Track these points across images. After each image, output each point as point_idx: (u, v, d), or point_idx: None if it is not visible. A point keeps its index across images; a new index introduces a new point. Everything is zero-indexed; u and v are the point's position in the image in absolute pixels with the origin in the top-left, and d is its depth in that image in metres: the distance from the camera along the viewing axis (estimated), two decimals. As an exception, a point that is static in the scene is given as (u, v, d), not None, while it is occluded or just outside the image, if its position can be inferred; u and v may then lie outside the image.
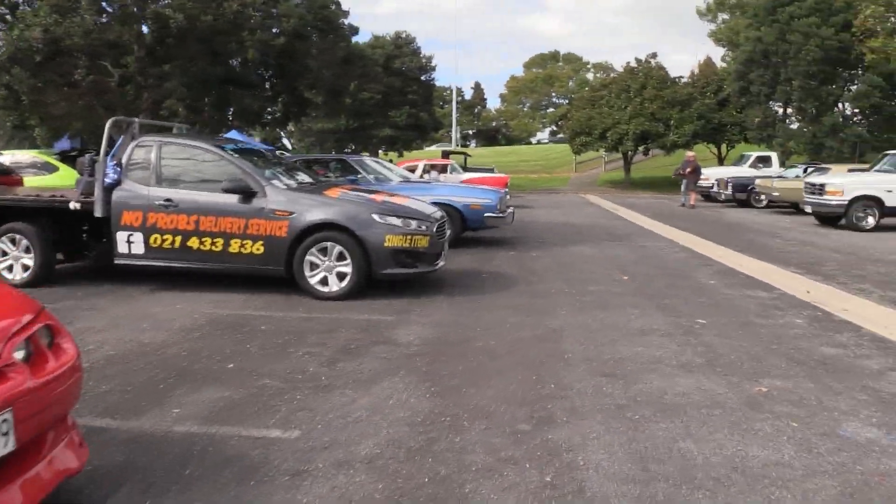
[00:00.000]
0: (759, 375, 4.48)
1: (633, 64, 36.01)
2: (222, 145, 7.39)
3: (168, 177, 7.17)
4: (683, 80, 36.38)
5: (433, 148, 50.68)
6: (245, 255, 6.90)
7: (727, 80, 33.80)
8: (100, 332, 5.53)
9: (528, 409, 3.84)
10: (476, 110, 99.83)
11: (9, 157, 12.35)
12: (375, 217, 6.79)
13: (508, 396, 4.05)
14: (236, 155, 7.25)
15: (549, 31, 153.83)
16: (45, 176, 12.14)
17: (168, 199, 7.01)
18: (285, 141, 43.97)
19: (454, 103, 48.86)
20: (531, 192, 33.32)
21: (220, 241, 6.92)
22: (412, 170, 22.74)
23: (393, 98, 32.24)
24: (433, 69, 34.61)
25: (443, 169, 23.17)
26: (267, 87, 18.94)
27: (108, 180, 7.14)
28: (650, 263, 9.57)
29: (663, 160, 42.47)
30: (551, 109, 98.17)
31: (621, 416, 3.75)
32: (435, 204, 10.33)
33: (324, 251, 6.81)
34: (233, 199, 6.90)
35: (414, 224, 6.95)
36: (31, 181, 11.48)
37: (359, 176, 11.23)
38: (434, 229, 7.14)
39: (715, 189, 24.04)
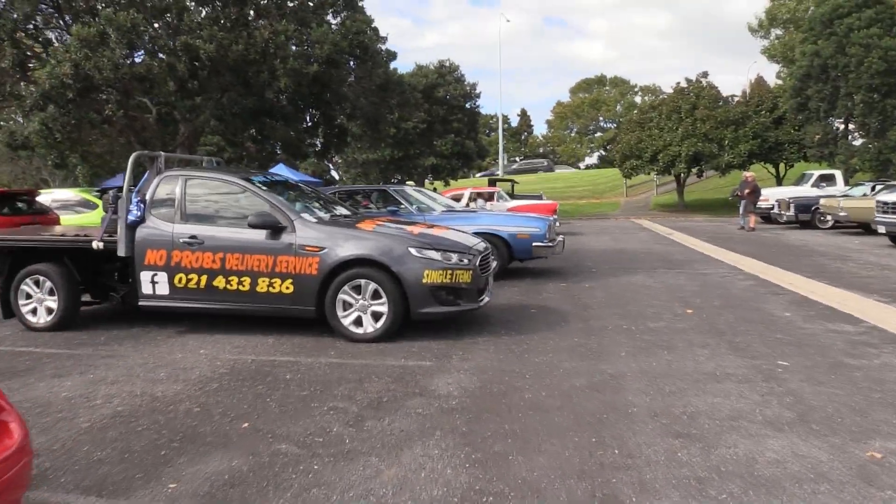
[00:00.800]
0: (866, 435, 3.73)
1: (683, 84, 35.08)
2: (251, 177, 6.95)
3: (193, 212, 6.75)
4: (736, 99, 35.28)
5: (480, 176, 50.27)
6: (274, 295, 6.41)
7: (783, 97, 32.58)
8: (112, 383, 5.06)
9: (589, 485, 3.18)
10: (523, 137, 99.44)
11: (48, 196, 12.26)
12: (412, 251, 6.23)
13: (563, 465, 3.39)
14: (265, 188, 6.80)
15: (593, 57, 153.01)
16: (85, 214, 11.99)
17: (193, 237, 6.58)
18: (333, 173, 44.16)
19: (500, 130, 48.30)
20: (581, 217, 32.52)
21: (247, 280, 6.45)
22: (458, 198, 22.30)
23: (437, 126, 31.93)
24: (478, 96, 34.24)
25: (489, 197, 22.64)
26: (305, 117, 18.58)
27: (131, 217, 6.75)
28: (714, 294, 8.78)
29: (717, 181, 41.20)
30: (599, 134, 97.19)
31: (704, 496, 3.05)
32: (479, 234, 9.76)
33: (357, 289, 6.27)
34: (260, 236, 6.43)
35: (455, 257, 6.37)
36: (70, 220, 11.32)
37: (400, 207, 10.74)
38: (477, 262, 6.54)
39: (776, 210, 22.91)
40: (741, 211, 22.23)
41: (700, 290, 9.07)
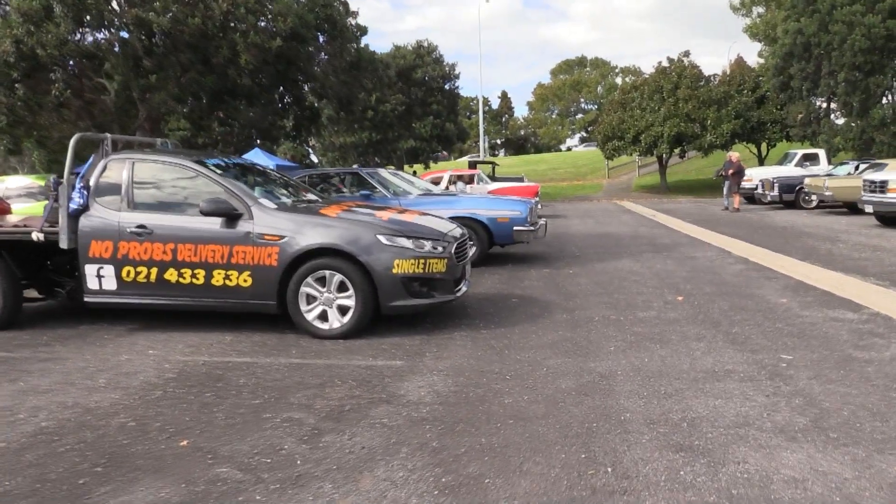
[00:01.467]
0: (891, 444, 3.27)
1: (665, 64, 34.64)
2: (205, 160, 6.37)
3: (141, 200, 6.17)
4: (718, 79, 34.91)
5: (464, 159, 49.61)
6: (231, 289, 5.85)
7: (765, 76, 32.23)
8: (44, 393, 4.50)
9: (578, 517, 2.69)
10: (503, 119, 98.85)
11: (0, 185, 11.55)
12: (381, 239, 5.69)
13: (549, 491, 2.90)
14: (220, 172, 6.23)
15: (574, 40, 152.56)
16: (40, 202, 11.30)
17: (141, 226, 6.00)
18: (313, 157, 43.26)
19: (481, 113, 47.71)
20: (563, 200, 32.09)
21: (201, 273, 5.89)
22: (437, 181, 21.76)
23: (416, 108, 31.24)
24: (457, 77, 33.54)
25: (469, 179, 22.12)
26: (271, 97, 17.70)
27: (73, 205, 6.15)
28: (705, 279, 8.33)
29: (699, 162, 41.00)
30: (580, 115, 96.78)
31: (716, 529, 2.58)
32: (458, 218, 9.27)
33: (322, 281, 5.73)
34: (215, 224, 5.87)
35: (428, 245, 5.85)
36: (23, 210, 10.65)
37: (374, 191, 10.18)
38: (453, 250, 6.02)
39: (759, 190, 22.60)
40: (725, 192, 21.93)
41: (690, 276, 8.62)
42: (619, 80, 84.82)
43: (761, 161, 34.19)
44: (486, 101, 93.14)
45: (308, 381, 4.56)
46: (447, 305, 6.49)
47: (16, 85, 11.75)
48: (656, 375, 4.46)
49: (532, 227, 9.81)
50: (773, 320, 5.98)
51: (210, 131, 17.86)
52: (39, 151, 17.75)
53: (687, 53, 34.69)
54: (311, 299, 5.76)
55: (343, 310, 5.72)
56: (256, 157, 27.67)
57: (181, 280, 5.93)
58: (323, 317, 5.76)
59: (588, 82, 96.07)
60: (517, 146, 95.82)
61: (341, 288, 5.70)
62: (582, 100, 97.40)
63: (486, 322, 6.22)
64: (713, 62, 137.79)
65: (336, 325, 5.72)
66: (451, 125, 33.21)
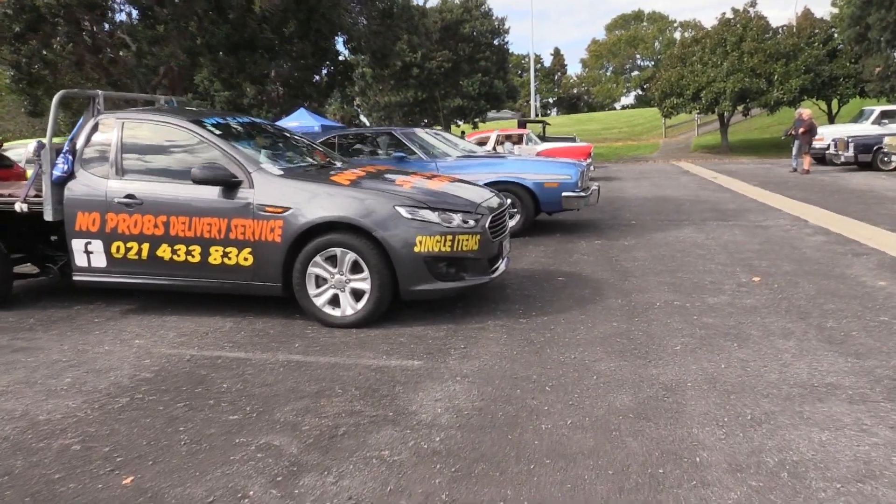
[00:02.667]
0: None
1: (729, 15, 32.48)
2: (202, 119, 5.54)
3: (132, 166, 5.39)
4: (786, 30, 32.64)
5: (510, 116, 48.11)
6: (230, 268, 5.07)
7: (839, 27, 29.96)
8: (-4, 395, 3.81)
9: None
10: (556, 77, 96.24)
11: (21, 149, 10.98)
12: (401, 211, 4.80)
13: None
14: (219, 132, 5.40)
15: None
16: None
17: (130, 196, 5.24)
18: (364, 118, 42.40)
19: (532, 70, 45.99)
20: (617, 161, 30.67)
21: (196, 250, 5.12)
22: (483, 142, 20.73)
23: (463, 65, 30.00)
24: (506, 32, 32.03)
25: (518, 139, 21.04)
26: (296, 50, 16.58)
27: (57, 172, 5.42)
28: (781, 253, 7.24)
29: (763, 120, 38.83)
30: (636, 73, 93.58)
31: None
32: (500, 183, 8.37)
33: (333, 261, 4.90)
34: (212, 193, 5.07)
35: (457, 218, 4.94)
36: (41, 172, 10.06)
37: (408, 153, 9.27)
38: (487, 223, 5.10)
39: (832, 150, 20.88)
40: (794, 152, 20.31)
41: (764, 249, 7.53)
42: (677, 35, 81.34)
43: (832, 119, 32.05)
44: (538, 59, 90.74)
45: (303, 388, 3.75)
46: (482, 287, 5.60)
47: (20, 39, 11.06)
48: (737, 390, 3.51)
49: (583, 193, 8.80)
50: (874, 311, 4.92)
51: (240, 89, 17.01)
52: (64, 113, 17.27)
53: (753, 3, 32.43)
54: (320, 281, 4.94)
55: (357, 294, 4.89)
56: (302, 118, 27.00)
57: (175, 258, 5.16)
58: (335, 302, 4.94)
59: (645, 38, 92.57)
60: (570, 105, 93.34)
61: (355, 269, 4.86)
62: (638, 56, 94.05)
63: (527, 308, 5.31)
64: (777, 15, 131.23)
65: (349, 311, 4.90)
66: (500, 83, 31.85)
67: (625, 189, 16.35)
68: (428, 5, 27.37)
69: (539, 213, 9.10)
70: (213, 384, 3.87)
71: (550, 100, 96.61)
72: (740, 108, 31.65)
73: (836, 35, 30.44)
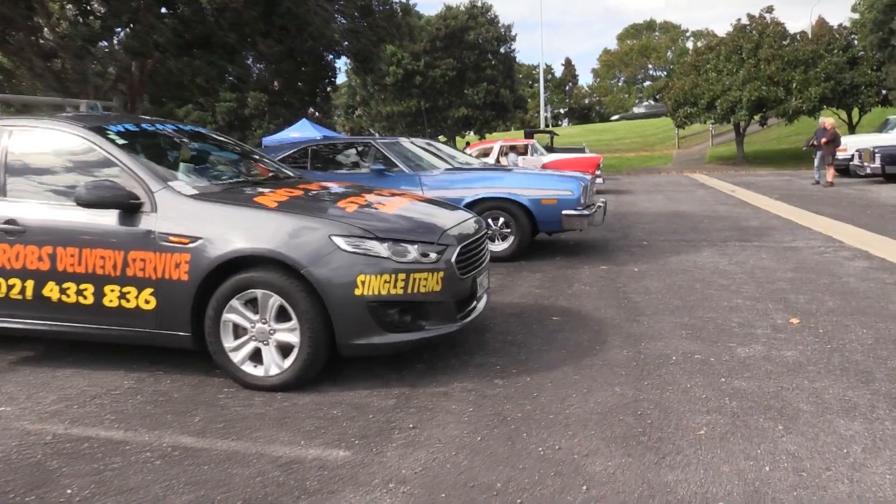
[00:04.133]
0: None
1: (745, 21, 31.30)
2: (105, 126, 4.47)
3: (17, 185, 4.33)
4: (804, 36, 31.39)
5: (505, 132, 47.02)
6: (129, 313, 3.99)
7: (860, 32, 28.71)
8: None
9: None
10: (567, 88, 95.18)
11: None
12: (339, 242, 3.70)
13: None
14: (122, 142, 4.32)
15: (640, 6, 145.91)
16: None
17: (11, 222, 4.18)
18: (372, 130, 41.31)
19: (542, 80, 45.04)
20: (628, 172, 29.49)
21: (88, 289, 4.04)
22: (486, 153, 19.68)
23: (468, 74, 28.93)
24: (513, 40, 30.96)
25: (523, 150, 19.95)
26: (257, 50, 15.19)
27: (-74, 191, 4.37)
28: (819, 284, 6.10)
29: (781, 130, 37.53)
30: (648, 83, 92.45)
31: None
32: (491, 200, 7.28)
33: (254, 305, 3.81)
34: (109, 219, 4.00)
35: (414, 251, 3.83)
36: None
37: (388, 165, 8.18)
38: (454, 256, 3.98)
39: (856, 161, 19.63)
40: (816, 163, 19.10)
41: (798, 278, 6.38)
42: (690, 45, 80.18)
43: (852, 128, 30.73)
44: (548, 70, 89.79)
45: (170, 501, 2.65)
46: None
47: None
48: (794, 516, 2.38)
49: (586, 212, 7.68)
50: (958, 370, 3.78)
51: (214, 96, 15.84)
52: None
53: (770, 9, 31.21)
54: (239, 332, 3.85)
55: (284, 349, 3.80)
56: (304, 128, 26.04)
57: (65, 298, 4.09)
58: (257, 357, 3.85)
59: (657, 47, 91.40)
60: (581, 115, 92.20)
61: (281, 316, 3.77)
62: (650, 66, 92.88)
63: (507, 362, 4.19)
64: (790, 26, 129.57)
65: (273, 371, 3.80)
66: (507, 92, 30.75)
67: (636, 203, 15.20)
68: (432, 12, 26.40)
69: (536, 233, 8.01)
70: (55, 487, 2.78)
71: (562, 110, 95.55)
72: (757, 117, 30.44)
73: (856, 41, 29.19)
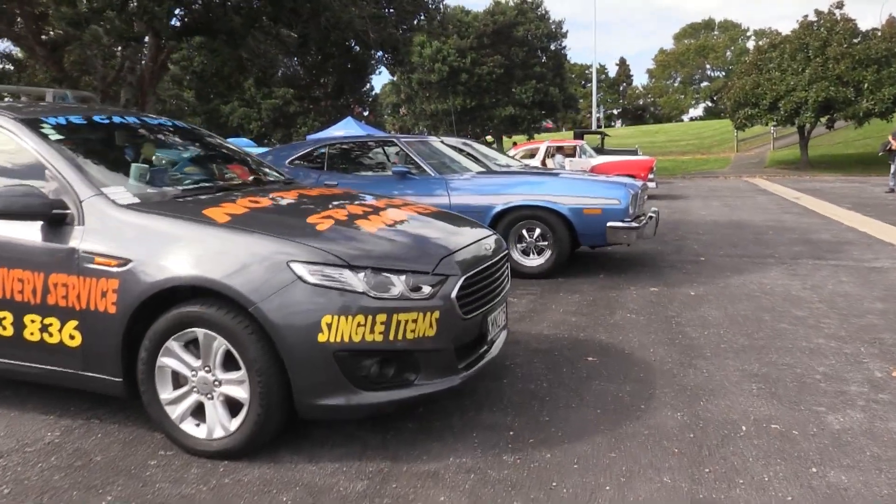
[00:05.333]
0: None
1: (812, 17, 29.52)
2: (42, 118, 3.68)
3: (-65, 184, 3.59)
4: (878, 34, 29.45)
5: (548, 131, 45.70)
6: (53, 349, 3.19)
7: (940, 28, 26.72)
8: None
9: None
10: (621, 88, 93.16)
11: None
12: (298, 270, 2.82)
13: None
14: (57, 137, 3.53)
15: (698, 6, 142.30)
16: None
17: (-78, 231, 3.43)
18: (423, 129, 40.50)
19: (594, 80, 43.54)
20: (683, 176, 28.09)
21: (7, 318, 3.26)
22: (532, 153, 18.69)
23: (516, 71, 27.85)
24: (564, 37, 29.76)
25: (571, 152, 18.89)
26: (269, 36, 14.11)
27: None
28: (921, 319, 5.01)
29: (848, 133, 35.53)
30: (705, 83, 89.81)
31: None
32: (526, 208, 6.41)
33: (196, 347, 2.98)
34: (32, 232, 3.21)
35: (400, 283, 2.92)
36: None
37: (412, 167, 7.32)
38: (455, 290, 3.05)
39: (937, 168, 18.05)
40: (893, 169, 17.57)
41: (890, 310, 5.29)
42: (751, 45, 77.48)
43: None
44: (602, 69, 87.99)
45: None
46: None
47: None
48: None
49: (635, 224, 6.68)
50: None
51: (236, 89, 14.96)
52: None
53: (840, 5, 29.37)
54: (180, 380, 3.03)
55: (232, 405, 2.95)
56: (348, 126, 25.34)
57: (-20, 328, 3.32)
58: (199, 413, 3.02)
59: (715, 47, 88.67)
60: (635, 116, 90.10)
61: (228, 363, 2.92)
62: (708, 66, 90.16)
63: (524, 423, 3.27)
64: (858, 24, 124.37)
65: (218, 433, 2.95)
66: (556, 90, 29.54)
67: (691, 210, 14.03)
68: (480, 8, 25.38)
69: (577, 246, 7.04)
70: None
71: (615, 111, 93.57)
72: (824, 119, 28.67)
73: (934, 38, 27.18)
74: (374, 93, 37.65)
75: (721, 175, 28.59)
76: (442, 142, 8.61)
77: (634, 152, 22.45)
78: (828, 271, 6.97)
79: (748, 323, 5.03)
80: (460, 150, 9.19)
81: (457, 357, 3.09)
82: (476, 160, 8.73)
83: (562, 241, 6.75)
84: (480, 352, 3.29)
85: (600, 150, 21.24)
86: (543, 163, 18.11)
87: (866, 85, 26.32)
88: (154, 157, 3.99)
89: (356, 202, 3.84)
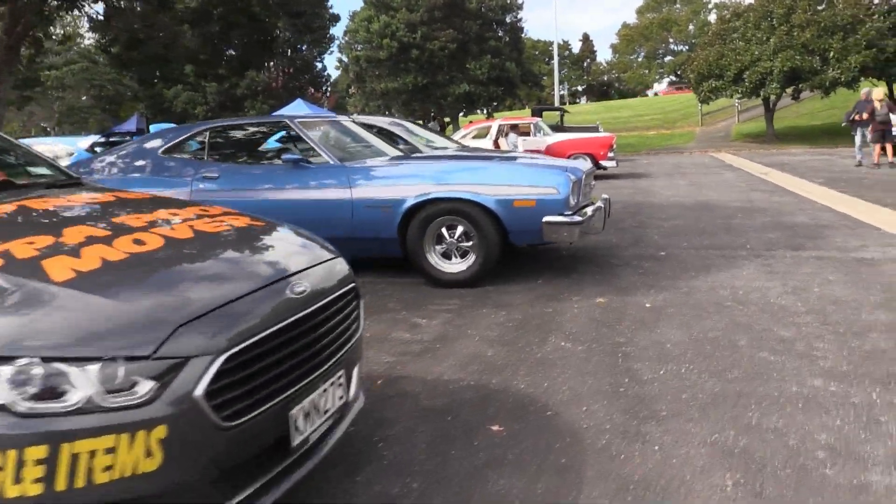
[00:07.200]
0: None
1: (776, -16, 28.45)
2: None
3: None
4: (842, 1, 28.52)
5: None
6: None
7: (905, -6, 25.85)
8: None
9: None
10: (585, 64, 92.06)
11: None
12: None
13: None
14: None
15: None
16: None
17: None
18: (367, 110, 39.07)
19: (556, 56, 42.32)
20: (648, 152, 27.03)
21: None
22: (484, 133, 17.44)
23: (470, 46, 26.38)
24: (519, 8, 28.34)
25: (527, 130, 17.65)
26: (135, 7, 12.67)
27: None
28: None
29: (813, 104, 34.73)
30: (669, 58, 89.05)
31: None
32: (444, 201, 5.14)
33: None
34: None
35: (84, 380, 1.58)
36: None
37: (310, 153, 5.95)
38: (199, 382, 1.72)
39: (905, 138, 17.08)
40: (857, 141, 16.52)
41: (893, 323, 4.10)
42: (712, 18, 76.70)
43: (894, 101, 27.93)
44: (565, 46, 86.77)
45: None
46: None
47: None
48: None
49: (578, 217, 5.40)
50: None
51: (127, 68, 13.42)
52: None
53: (804, -30, 28.32)
54: None
55: None
56: (299, 108, 23.85)
57: None
58: None
59: (678, 20, 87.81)
60: (600, 92, 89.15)
61: None
62: (671, 40, 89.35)
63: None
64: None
65: None
66: (513, 65, 28.06)
67: (654, 190, 12.86)
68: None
69: (509, 247, 5.75)
70: None
71: (580, 87, 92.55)
72: (790, 90, 27.73)
73: (901, 5, 26.31)
74: (326, 72, 36.13)
75: (686, 150, 27.58)
76: (354, 121, 7.25)
77: (595, 129, 21.32)
78: (811, 266, 5.78)
79: (718, 352, 3.79)
80: (383, 132, 7.87)
81: (222, 490, 1.77)
82: (399, 143, 7.41)
83: (488, 241, 5.45)
84: (279, 468, 1.97)
85: (559, 128, 20.05)
86: (496, 143, 16.86)
87: (832, 53, 25.39)
88: None
89: (115, 216, 2.46)
